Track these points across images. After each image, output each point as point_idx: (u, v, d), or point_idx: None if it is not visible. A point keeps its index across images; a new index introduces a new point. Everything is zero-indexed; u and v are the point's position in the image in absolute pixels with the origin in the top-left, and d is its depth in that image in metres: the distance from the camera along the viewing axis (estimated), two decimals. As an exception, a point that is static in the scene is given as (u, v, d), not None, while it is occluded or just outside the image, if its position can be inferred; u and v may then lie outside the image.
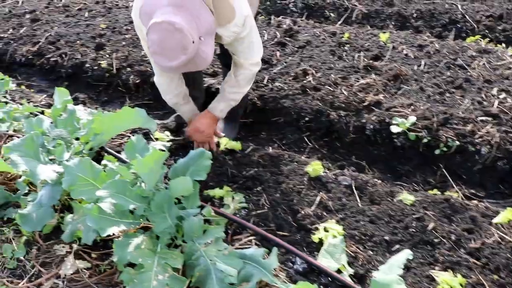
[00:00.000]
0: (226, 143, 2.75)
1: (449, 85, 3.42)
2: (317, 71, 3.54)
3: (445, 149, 2.93)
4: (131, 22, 4.39)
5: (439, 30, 4.52)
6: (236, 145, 2.74)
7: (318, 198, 2.43)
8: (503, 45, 4.12)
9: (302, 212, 2.36)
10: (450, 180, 2.87)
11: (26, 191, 2.37)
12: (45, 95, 3.63)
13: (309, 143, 3.19)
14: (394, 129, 3.00)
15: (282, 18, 4.57)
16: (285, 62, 3.68)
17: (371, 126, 3.08)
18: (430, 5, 4.80)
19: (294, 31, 4.09)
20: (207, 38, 2.05)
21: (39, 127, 2.47)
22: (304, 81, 3.43)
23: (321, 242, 2.15)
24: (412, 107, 3.15)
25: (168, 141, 2.80)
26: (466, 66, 3.61)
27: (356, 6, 4.84)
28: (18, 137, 2.84)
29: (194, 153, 2.06)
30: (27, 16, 4.66)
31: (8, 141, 2.80)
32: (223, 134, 2.85)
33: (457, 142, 2.92)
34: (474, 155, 2.91)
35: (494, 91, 3.32)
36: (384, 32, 4.10)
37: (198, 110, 3.08)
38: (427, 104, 3.20)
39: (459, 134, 2.96)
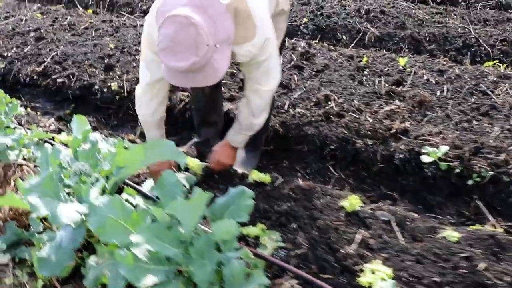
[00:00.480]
0: (254, 175, 2.59)
1: (475, 112, 3.33)
2: (339, 96, 3.42)
3: (478, 179, 2.81)
4: (140, 42, 4.25)
5: (453, 54, 4.47)
6: (265, 178, 2.59)
7: (359, 236, 2.29)
8: (523, 70, 4.05)
9: (343, 251, 2.20)
10: (486, 212, 2.75)
11: (41, 229, 2.18)
12: (53, 119, 3.44)
13: (335, 173, 3.05)
14: (425, 159, 2.88)
15: (296, 40, 4.47)
16: (304, 87, 3.56)
17: (401, 156, 2.95)
18: (443, 28, 4.75)
19: (310, 54, 3.99)
20: (223, 47, 1.89)
21: (56, 158, 2.28)
22: (327, 107, 3.31)
23: (370, 287, 2.00)
24: (441, 135, 3.04)
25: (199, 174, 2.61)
26: (489, 92, 3.53)
27: (369, 29, 4.77)
28: (28, 166, 2.68)
29: (234, 192, 1.90)
30: (32, 34, 4.49)
31: (18, 171, 2.62)
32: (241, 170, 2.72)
33: (491, 172, 2.81)
34: (508, 185, 2.80)
35: (522, 118, 3.24)
36: (402, 56, 4.02)
37: (217, 135, 2.99)
38: (456, 132, 3.09)
39: (492, 164, 2.85)
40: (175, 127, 3.36)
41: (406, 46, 4.59)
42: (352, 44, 4.66)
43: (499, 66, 4.08)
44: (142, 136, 3.44)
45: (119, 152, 2.17)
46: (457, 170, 2.84)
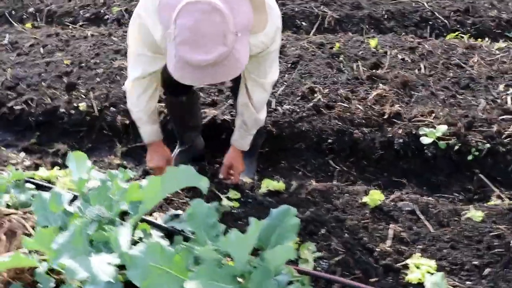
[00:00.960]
0: (267, 184, 2.47)
1: (456, 86, 3.39)
2: (323, 87, 3.35)
3: (476, 153, 2.86)
4: (97, 54, 3.95)
5: (413, 29, 4.52)
6: (280, 185, 2.47)
7: (390, 232, 2.24)
8: (487, 39, 4.18)
9: (380, 249, 2.15)
10: (490, 184, 2.80)
11: (53, 285, 1.92)
12: (24, 154, 3.10)
13: (336, 166, 2.99)
14: (425, 140, 2.89)
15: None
16: (285, 82, 3.45)
17: (400, 140, 2.94)
18: (398, 4, 4.79)
19: (281, 46, 3.86)
20: (243, 35, 1.67)
21: (58, 203, 2.03)
22: (314, 100, 3.22)
23: (419, 283, 1.96)
24: (433, 114, 3.06)
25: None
26: (463, 65, 3.60)
27: (326, 12, 4.72)
28: (16, 214, 2.37)
29: (278, 212, 1.76)
30: (-30, 60, 4.03)
31: (5, 221, 2.32)
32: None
33: (487, 145, 2.86)
34: (505, 155, 2.87)
35: (501, 87, 3.32)
36: (371, 37, 4.01)
37: (199, 138, 2.91)
38: (445, 109, 3.13)
39: (487, 136, 2.91)
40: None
41: (367, 26, 4.59)
42: (313, 30, 4.59)
43: (462, 37, 4.18)
44: (124, 156, 3.21)
45: (133, 187, 1.97)
46: (456, 147, 2.87)
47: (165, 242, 1.97)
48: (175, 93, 2.60)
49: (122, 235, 1.66)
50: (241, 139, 2.47)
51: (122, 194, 1.99)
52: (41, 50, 4.08)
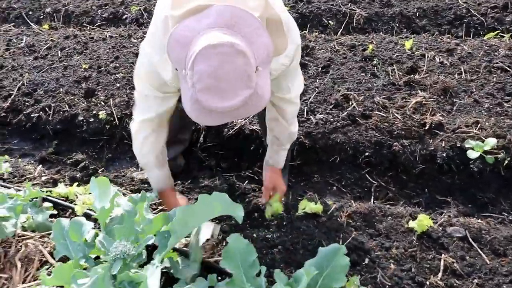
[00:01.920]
0: (304, 206, 2.26)
1: (501, 92, 3.13)
2: (357, 94, 3.12)
3: (528, 168, 2.63)
4: (117, 57, 3.78)
5: (447, 28, 4.25)
6: (317, 208, 2.27)
7: (441, 262, 2.02)
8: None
9: (430, 282, 1.94)
10: (544, 203, 2.56)
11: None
12: (41, 167, 2.94)
13: (373, 181, 2.77)
14: (472, 154, 2.66)
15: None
16: (316, 88, 3.23)
17: (443, 154, 2.71)
18: (430, 1, 4.51)
19: (310, 48, 3.65)
20: (264, 68, 1.50)
21: (78, 233, 1.86)
22: (349, 109, 3.00)
23: (479, 326, 1.75)
24: (478, 125, 2.82)
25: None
26: (507, 68, 3.34)
27: (355, 10, 4.47)
28: (33, 238, 2.21)
29: (327, 251, 1.56)
30: (-14, 63, 3.87)
31: (22, 247, 2.16)
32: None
33: (541, 160, 2.63)
34: (561, 171, 2.63)
35: (551, 94, 3.07)
36: (405, 38, 3.77)
37: (179, 159, 2.80)
38: (491, 119, 2.88)
39: (540, 150, 2.66)
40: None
41: (397, 25, 4.33)
42: (341, 29, 4.35)
43: (502, 37, 3.90)
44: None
45: (159, 219, 1.79)
46: (506, 162, 2.64)
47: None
48: None
49: (151, 279, 1.47)
50: (276, 155, 2.32)
51: (148, 225, 1.80)
52: (59, 53, 3.91)
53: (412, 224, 2.19)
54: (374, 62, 3.46)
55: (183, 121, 2.56)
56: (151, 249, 1.85)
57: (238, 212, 1.79)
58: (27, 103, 3.41)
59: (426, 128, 2.84)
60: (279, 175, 2.37)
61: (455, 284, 1.93)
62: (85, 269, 1.81)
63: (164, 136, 2.14)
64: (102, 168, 3.04)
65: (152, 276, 1.49)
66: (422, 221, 2.14)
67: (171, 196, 2.28)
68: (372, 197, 2.68)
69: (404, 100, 3.06)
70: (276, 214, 2.26)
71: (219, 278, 1.77)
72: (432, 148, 2.75)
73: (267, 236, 2.16)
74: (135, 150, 2.16)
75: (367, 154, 2.79)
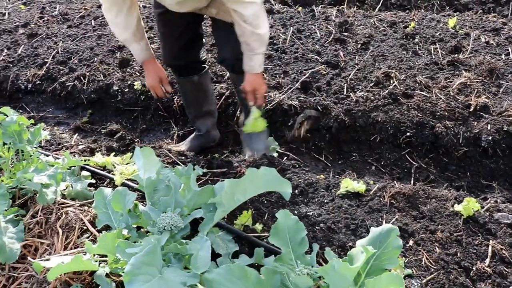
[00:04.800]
0: (347, 185, 2.21)
1: (551, 75, 3.00)
2: (399, 72, 3.02)
3: None
4: (151, 28, 3.73)
5: (492, 6, 4.08)
6: (360, 187, 2.21)
7: (489, 248, 1.96)
8: None
9: (477, 268, 1.89)
10: None
11: (113, 288, 1.75)
12: (77, 136, 2.93)
13: (413, 162, 2.70)
14: (520, 138, 2.56)
15: (322, 8, 4.00)
16: (356, 65, 3.14)
17: (489, 137, 2.62)
18: (474, -22, 4.33)
19: (349, 24, 3.54)
20: None
21: (122, 204, 1.84)
22: (390, 87, 2.91)
23: (531, 316, 1.69)
24: (527, 108, 2.71)
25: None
26: (558, 50, 3.20)
27: (395, -15, 4.32)
28: (73, 206, 2.21)
29: (378, 232, 1.51)
30: (21, 31, 3.85)
31: (62, 214, 2.15)
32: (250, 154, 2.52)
33: None
34: None
35: None
36: (449, 16, 3.63)
37: (215, 126, 2.85)
38: (540, 102, 2.77)
39: None
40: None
41: (438, 2, 4.18)
42: (379, 5, 4.22)
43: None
44: (180, 139, 3.01)
45: (206, 191, 1.76)
46: (555, 147, 2.54)
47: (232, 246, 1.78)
48: (185, 73, 2.59)
49: (202, 252, 1.44)
50: (250, 61, 2.27)
51: (193, 198, 1.78)
52: (92, 22, 3.88)
53: (457, 207, 2.12)
54: (416, 40, 3.34)
55: (200, 94, 2.70)
56: (191, 222, 1.83)
57: (286, 188, 1.75)
58: (61, 72, 3.39)
59: (471, 110, 2.75)
60: (257, 77, 2.32)
61: (504, 272, 1.87)
62: (126, 239, 1.80)
63: (133, 13, 2.25)
64: (137, 139, 3.02)
65: (203, 249, 1.46)
66: (469, 205, 2.07)
67: (151, 64, 2.46)
68: (412, 179, 2.62)
69: (448, 80, 2.96)
70: (255, 131, 2.40)
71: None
72: (477, 130, 2.66)
73: (309, 213, 2.11)
74: (112, 29, 2.36)
75: (408, 134, 2.71)
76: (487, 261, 1.92)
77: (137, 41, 2.34)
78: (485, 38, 3.34)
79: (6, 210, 2.03)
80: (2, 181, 2.26)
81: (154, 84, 2.48)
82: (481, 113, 2.73)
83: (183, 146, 2.76)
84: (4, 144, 2.35)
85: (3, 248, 1.91)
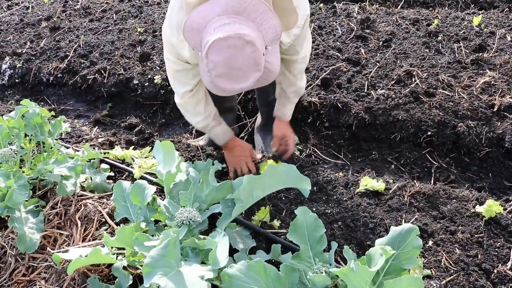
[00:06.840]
0: (366, 183, 2.19)
1: None
2: (421, 70, 2.98)
3: None
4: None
5: (518, 4, 3.99)
6: (379, 186, 2.18)
7: (511, 251, 1.92)
8: None
9: (498, 271, 1.85)
10: None
11: (131, 281, 1.75)
12: (97, 129, 2.95)
13: (434, 162, 2.66)
14: (545, 140, 2.50)
15: (344, 4, 3.95)
16: (378, 62, 3.10)
17: (512, 138, 2.56)
18: (500, -24, 4.23)
19: (371, 21, 3.50)
20: (273, 46, 1.69)
21: (141, 198, 1.84)
22: (411, 85, 2.87)
23: (554, 321, 1.66)
24: (553, 109, 2.64)
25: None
26: None
27: (418, -17, 4.24)
28: (92, 199, 2.22)
29: (398, 231, 1.49)
30: (44, 24, 3.90)
31: (81, 206, 2.17)
32: (260, 155, 2.48)
33: None
34: None
35: None
36: (474, 14, 3.55)
37: (235, 122, 2.82)
38: None
39: None
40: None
41: (463, 0, 4.10)
42: (402, 2, 4.15)
43: None
44: (199, 133, 3.01)
45: (225, 186, 1.76)
46: None
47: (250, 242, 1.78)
48: None
49: (221, 247, 1.44)
50: (283, 108, 2.37)
51: (212, 193, 1.78)
52: (114, 16, 3.91)
53: (479, 209, 2.08)
54: (439, 38, 3.29)
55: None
56: (208, 217, 1.83)
57: (305, 185, 1.74)
58: (82, 65, 3.43)
59: (495, 110, 2.69)
60: (287, 124, 2.43)
61: (525, 275, 1.84)
62: (144, 232, 1.81)
63: (210, 100, 2.25)
64: (156, 133, 3.03)
65: (221, 244, 1.46)
66: (491, 207, 2.03)
67: (236, 140, 2.41)
68: (433, 178, 2.58)
69: (471, 79, 2.90)
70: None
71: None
72: (501, 131, 2.61)
73: (327, 211, 2.10)
74: (190, 120, 2.30)
75: (429, 133, 2.67)
76: (509, 264, 1.89)
77: (218, 124, 2.31)
78: (511, 37, 3.27)
79: (26, 200, 2.06)
80: (23, 172, 2.30)
81: (241, 162, 2.33)
82: (505, 113, 2.67)
83: (202, 141, 2.75)
84: (26, 135, 2.38)
85: (24, 238, 1.94)
